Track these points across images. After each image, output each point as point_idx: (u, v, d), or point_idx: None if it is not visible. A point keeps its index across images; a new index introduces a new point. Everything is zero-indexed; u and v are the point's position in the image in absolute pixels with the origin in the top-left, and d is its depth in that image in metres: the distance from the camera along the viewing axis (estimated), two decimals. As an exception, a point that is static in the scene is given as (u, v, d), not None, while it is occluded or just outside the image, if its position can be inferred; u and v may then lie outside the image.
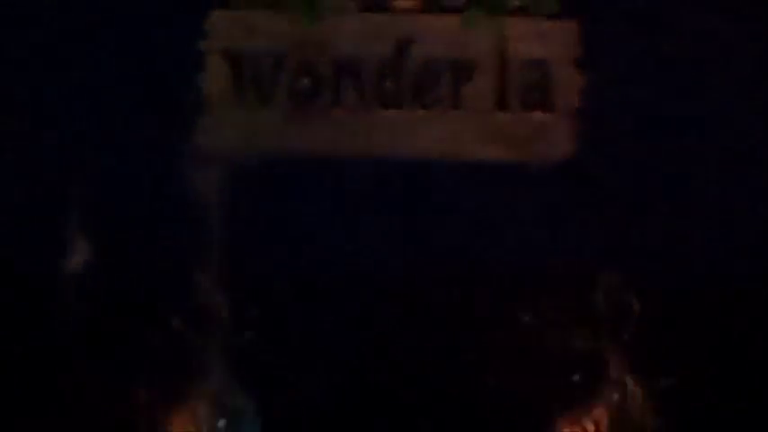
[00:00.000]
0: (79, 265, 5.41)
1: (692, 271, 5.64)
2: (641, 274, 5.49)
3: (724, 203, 5.70)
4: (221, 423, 5.23)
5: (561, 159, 5.71)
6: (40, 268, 5.50)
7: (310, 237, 5.63)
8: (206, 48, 5.71)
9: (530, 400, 5.19)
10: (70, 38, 5.65)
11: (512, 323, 5.43)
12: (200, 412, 5.18)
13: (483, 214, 5.68)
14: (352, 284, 5.51)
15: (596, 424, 5.28)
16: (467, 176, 5.67)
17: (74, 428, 5.27)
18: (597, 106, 5.73)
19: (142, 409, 5.19)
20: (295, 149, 5.71)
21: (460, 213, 5.69)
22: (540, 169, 5.69)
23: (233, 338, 5.38)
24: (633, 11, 5.72)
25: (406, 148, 5.74)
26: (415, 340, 5.51)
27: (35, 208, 5.60)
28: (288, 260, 5.61)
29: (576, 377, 5.30)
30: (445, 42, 5.77)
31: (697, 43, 5.69)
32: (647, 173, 5.74)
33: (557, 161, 5.71)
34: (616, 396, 5.28)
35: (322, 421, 5.35)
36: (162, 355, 5.27)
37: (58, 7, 5.68)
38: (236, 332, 5.40)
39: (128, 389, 5.28)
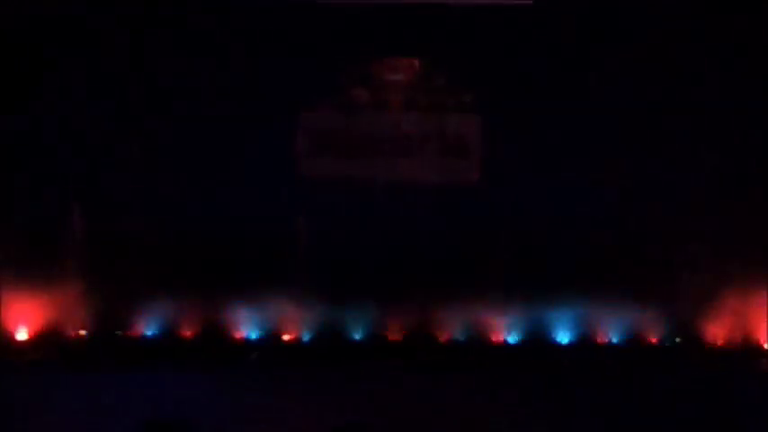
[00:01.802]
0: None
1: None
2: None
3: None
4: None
5: (472, 183, 11.81)
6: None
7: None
8: (300, 128, 11.85)
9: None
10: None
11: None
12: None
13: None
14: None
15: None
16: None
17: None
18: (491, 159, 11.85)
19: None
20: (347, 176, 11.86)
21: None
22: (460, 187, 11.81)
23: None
24: (505, 111, 11.73)
25: (403, 174, 11.86)
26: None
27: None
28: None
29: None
30: (419, 126, 11.86)
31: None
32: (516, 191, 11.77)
33: (470, 184, 11.82)
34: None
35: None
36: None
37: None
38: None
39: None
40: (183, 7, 11.70)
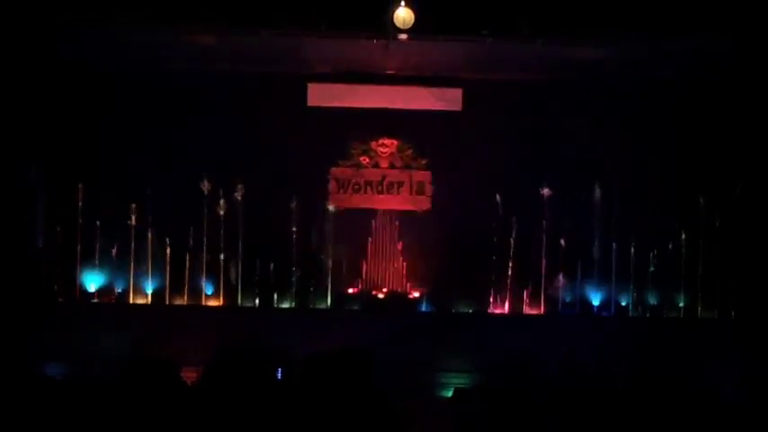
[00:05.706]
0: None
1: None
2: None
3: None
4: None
5: (427, 210, 21.10)
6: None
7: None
8: (330, 177, 21.15)
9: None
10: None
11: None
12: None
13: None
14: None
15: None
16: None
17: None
18: (437, 196, 21.15)
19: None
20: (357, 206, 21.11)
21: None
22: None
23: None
24: (444, 168, 21.08)
25: (384, 205, 21.18)
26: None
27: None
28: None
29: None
30: (397, 177, 21.22)
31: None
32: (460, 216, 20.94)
33: (426, 211, 21.10)
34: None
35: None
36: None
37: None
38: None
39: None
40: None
